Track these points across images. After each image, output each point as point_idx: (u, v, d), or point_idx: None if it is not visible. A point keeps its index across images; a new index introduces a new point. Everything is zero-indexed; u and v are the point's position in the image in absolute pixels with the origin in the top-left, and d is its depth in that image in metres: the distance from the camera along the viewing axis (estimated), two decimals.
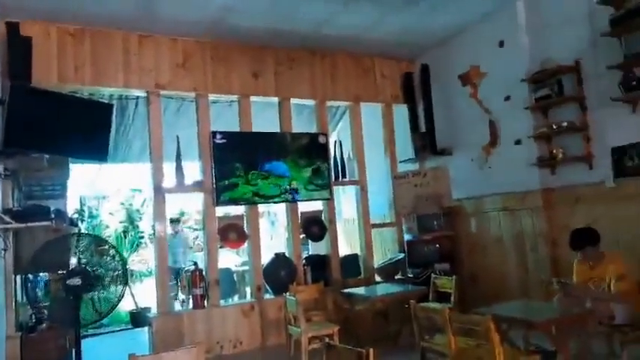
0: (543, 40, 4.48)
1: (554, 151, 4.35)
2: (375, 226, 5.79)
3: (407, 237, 5.65)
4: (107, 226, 8.68)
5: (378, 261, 5.77)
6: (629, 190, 3.83)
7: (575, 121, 4.21)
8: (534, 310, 3.61)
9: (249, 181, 4.96)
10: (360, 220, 5.74)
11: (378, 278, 5.59)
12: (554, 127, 4.32)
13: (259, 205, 5.26)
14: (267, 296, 5.03)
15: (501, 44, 4.83)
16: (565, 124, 4.25)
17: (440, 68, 5.66)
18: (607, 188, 4.00)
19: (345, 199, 6.90)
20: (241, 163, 4.94)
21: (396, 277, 5.59)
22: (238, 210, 5.23)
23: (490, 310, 3.16)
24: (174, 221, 7.28)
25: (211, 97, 5.05)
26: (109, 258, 3.07)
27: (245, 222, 5.12)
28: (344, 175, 5.70)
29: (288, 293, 4.46)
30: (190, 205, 9.32)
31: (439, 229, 5.36)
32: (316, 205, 5.73)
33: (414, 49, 5.77)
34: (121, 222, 8.69)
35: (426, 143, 5.70)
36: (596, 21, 3.93)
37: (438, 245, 5.29)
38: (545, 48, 4.45)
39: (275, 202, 5.32)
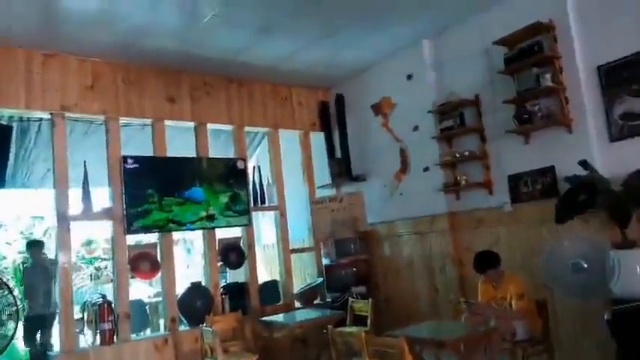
0: (447, 75, 4.84)
1: (458, 178, 4.67)
2: (294, 251, 5.81)
3: (325, 261, 5.73)
4: (4, 257, 7.93)
5: (297, 286, 5.77)
6: (524, 215, 4.19)
7: (476, 150, 4.56)
8: (444, 329, 3.81)
9: (163, 207, 4.79)
10: (279, 246, 5.74)
11: (297, 304, 5.59)
12: (458, 155, 4.65)
13: (175, 233, 5.09)
14: (182, 328, 4.84)
15: (409, 78, 5.14)
16: (467, 153, 4.58)
17: (354, 98, 5.90)
18: (505, 212, 4.34)
19: (265, 224, 6.87)
20: (155, 188, 4.76)
21: (315, 302, 5.62)
22: (151, 238, 5.01)
23: (403, 331, 3.29)
24: (34, 245, 5.49)
25: (123, 120, 4.86)
26: (5, 292, 2.82)
27: (158, 250, 4.92)
28: (263, 201, 5.69)
29: (204, 324, 4.31)
30: (99, 233, 8.78)
31: (356, 253, 5.50)
32: (235, 232, 5.66)
33: (330, 80, 5.97)
34: (20, 252, 7.99)
35: (342, 169, 5.86)
36: (493, 59, 4.32)
37: (354, 269, 5.42)
38: (449, 83, 4.80)
39: (191, 229, 5.17)
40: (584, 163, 3.57)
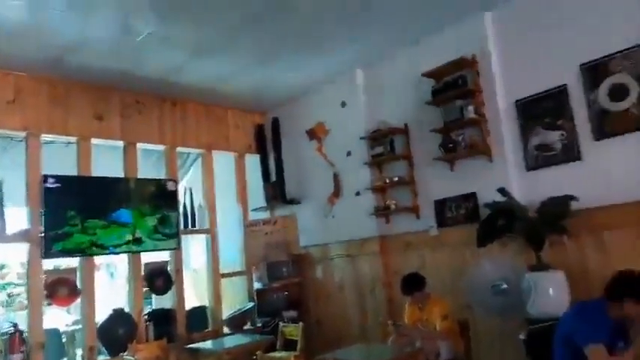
0: (379, 103, 5.02)
1: (388, 202, 4.81)
2: (224, 275, 5.68)
3: (257, 285, 5.66)
4: None
5: (227, 312, 5.63)
6: (449, 238, 4.37)
7: (405, 176, 4.72)
8: (372, 352, 3.85)
9: (86, 230, 4.54)
10: (209, 270, 5.59)
11: (226, 330, 5.44)
12: (388, 180, 4.80)
13: (97, 257, 4.84)
14: (102, 358, 4.55)
15: (343, 105, 5.29)
16: (396, 178, 4.74)
17: (290, 122, 5.96)
18: (431, 236, 4.50)
19: (195, 248, 6.68)
20: (77, 210, 4.51)
21: (245, 328, 5.49)
22: (71, 262, 4.72)
23: (333, 355, 3.30)
24: None
25: (46, 137, 4.61)
26: None
27: (78, 275, 4.64)
28: (194, 224, 5.55)
29: (126, 353, 4.09)
30: (13, 257, 8.13)
31: (288, 276, 5.48)
32: (162, 256, 5.45)
33: (266, 103, 6.00)
34: None
35: (277, 193, 5.86)
36: (422, 91, 4.53)
37: (286, 293, 5.39)
38: (380, 110, 4.97)
39: (116, 253, 4.92)
40: (502, 191, 3.80)
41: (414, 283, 3.78)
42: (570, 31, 3.73)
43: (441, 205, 4.45)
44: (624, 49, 3.47)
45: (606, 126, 3.56)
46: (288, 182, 5.89)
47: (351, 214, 5.13)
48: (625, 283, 2.50)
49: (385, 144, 4.83)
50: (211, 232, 5.61)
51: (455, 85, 4.22)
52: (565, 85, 3.76)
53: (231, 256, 5.93)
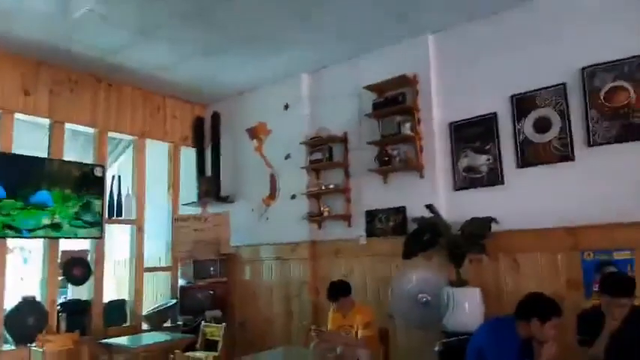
0: (321, 110, 5.08)
1: (322, 208, 4.87)
2: (148, 269, 5.50)
3: (182, 282, 5.53)
4: None
5: (148, 307, 5.45)
6: (377, 248, 4.48)
7: (340, 184, 4.81)
8: (293, 356, 3.88)
9: (0, 210, 4.25)
10: (132, 263, 5.39)
11: (145, 326, 5.27)
12: (323, 187, 4.86)
13: (11, 240, 4.52)
14: (7, 347, 4.26)
15: (286, 107, 5.29)
16: (332, 185, 4.81)
17: (231, 118, 5.87)
18: (360, 245, 4.61)
19: (119, 238, 6.41)
20: None
21: (165, 325, 5.35)
22: None
23: (252, 357, 3.28)
24: None
25: None
26: None
27: None
28: (120, 213, 5.33)
29: (33, 344, 3.85)
30: None
31: (215, 275, 5.39)
32: (83, 244, 5.19)
33: (208, 96, 5.89)
34: None
35: (211, 188, 5.75)
36: (363, 102, 4.64)
37: (212, 292, 5.29)
38: (321, 117, 5.03)
39: (32, 237, 4.62)
40: (430, 207, 3.96)
41: (339, 289, 3.85)
42: (504, 63, 3.97)
43: (371, 216, 4.56)
44: (550, 86, 3.74)
45: (529, 155, 3.82)
46: (224, 179, 5.81)
47: (284, 217, 5.14)
48: (532, 304, 2.68)
49: (324, 151, 4.89)
50: (138, 224, 5.42)
51: (395, 101, 4.36)
52: (495, 112, 3.99)
53: (158, 250, 5.76)
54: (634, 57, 3.42)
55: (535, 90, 3.81)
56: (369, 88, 4.53)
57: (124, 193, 5.39)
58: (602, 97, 3.52)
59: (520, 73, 3.89)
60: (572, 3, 3.70)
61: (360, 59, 4.76)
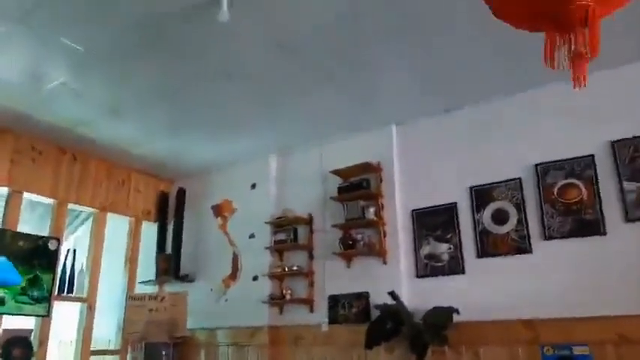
0: (287, 191, 5.12)
1: (284, 291, 4.75)
2: (95, 352, 5.13)
3: None
4: None
5: None
6: (339, 336, 4.35)
7: (304, 266, 4.75)
8: None
9: None
10: (78, 344, 5.04)
11: None
12: (287, 269, 4.77)
13: None
14: None
15: (253, 186, 5.32)
16: (295, 267, 4.74)
17: (197, 195, 5.83)
18: (322, 332, 4.47)
19: (69, 317, 6.02)
20: None
21: None
22: None
23: None
24: None
25: None
26: None
27: None
28: (71, 289, 5.04)
29: None
30: None
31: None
32: (28, 322, 4.84)
33: (174, 172, 5.87)
34: None
35: (170, 266, 5.56)
36: (329, 186, 4.72)
37: None
38: (288, 198, 5.06)
39: None
40: (392, 294, 3.92)
41: None
42: (464, 155, 4.17)
43: (334, 301, 4.48)
44: (506, 180, 3.92)
45: (488, 246, 3.90)
46: (184, 257, 5.64)
47: (245, 300, 4.97)
48: None
49: (289, 231, 4.87)
50: (89, 301, 5.13)
51: (359, 187, 4.45)
52: (456, 203, 4.11)
53: (108, 330, 5.42)
54: (583, 157, 3.64)
55: (493, 183, 3.97)
56: (335, 172, 4.63)
57: (77, 268, 5.15)
58: (555, 193, 3.70)
59: (479, 166, 4.07)
60: (527, 104, 3.97)
61: (326, 144, 4.90)
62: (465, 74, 3.76)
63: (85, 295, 5.12)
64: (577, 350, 3.36)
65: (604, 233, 3.46)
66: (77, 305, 5.19)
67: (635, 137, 3.49)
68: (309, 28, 3.17)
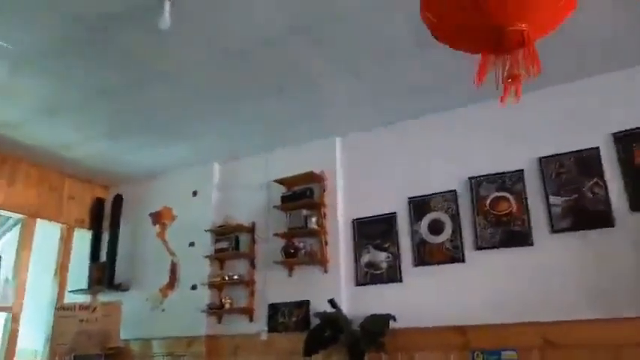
0: (230, 199, 5.08)
1: (223, 300, 4.68)
2: None
3: None
4: None
5: None
6: (278, 345, 4.34)
7: (245, 275, 4.70)
8: None
9: None
10: (1, 355, 4.72)
11: None
12: (227, 278, 4.71)
13: None
14: None
15: (195, 194, 5.23)
16: (236, 276, 4.68)
17: (134, 202, 5.65)
18: (261, 340, 4.44)
19: None
20: None
21: None
22: None
23: None
24: None
25: None
26: None
27: None
28: None
29: None
30: None
31: None
32: None
33: (111, 178, 5.67)
34: None
35: (103, 275, 5.34)
36: (272, 194, 4.73)
37: None
38: (230, 206, 5.02)
39: None
40: (332, 301, 3.97)
41: None
42: (402, 168, 4.31)
43: (274, 309, 4.46)
44: (442, 192, 4.08)
45: (424, 255, 4.03)
46: (119, 265, 5.44)
47: (182, 309, 4.86)
48: None
49: (230, 240, 4.81)
50: (14, 311, 4.83)
51: (302, 196, 4.48)
52: (395, 213, 4.24)
53: (35, 343, 5.12)
54: (514, 171, 3.86)
55: (429, 194, 4.13)
56: (279, 181, 4.65)
57: (2, 276, 4.84)
58: (487, 205, 3.89)
59: (416, 178, 4.22)
60: (462, 121, 4.16)
61: (271, 153, 4.92)
62: (404, 91, 3.91)
63: (9, 305, 4.81)
64: (505, 355, 3.52)
65: (531, 244, 3.67)
66: (1, 315, 4.87)
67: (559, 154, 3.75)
68: (260, 38, 3.18)
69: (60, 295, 5.30)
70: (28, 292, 4.96)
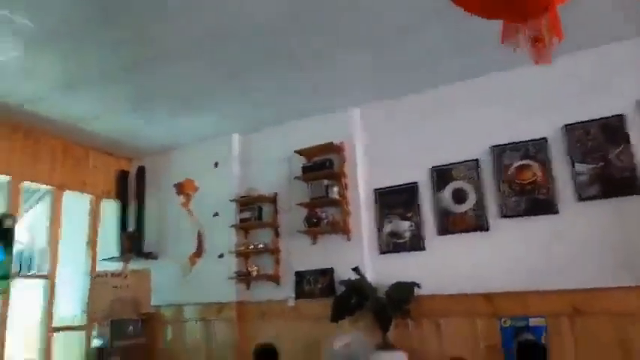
0: (252, 170, 5.12)
1: (250, 268, 4.82)
2: (58, 329, 5.10)
3: (97, 343, 5.16)
4: None
5: None
6: (305, 310, 4.50)
7: (270, 244, 4.81)
8: None
9: None
10: (42, 322, 4.98)
11: None
12: (252, 246, 4.83)
13: None
14: None
15: (216, 165, 5.28)
16: (261, 245, 4.80)
17: (158, 173, 5.73)
18: (289, 306, 4.60)
19: (31, 295, 5.91)
20: None
21: None
22: None
23: None
24: None
25: None
26: None
27: None
28: (30, 268, 4.95)
29: None
30: None
31: (134, 336, 5.10)
32: None
33: (134, 150, 5.73)
34: None
35: (133, 244, 5.51)
36: (293, 165, 4.76)
37: (129, 354, 4.99)
38: (252, 177, 5.07)
39: None
40: (356, 269, 4.07)
41: (266, 355, 3.80)
42: (425, 137, 4.28)
43: (300, 277, 4.59)
44: (465, 160, 4.06)
45: (448, 223, 4.07)
46: (148, 235, 5.60)
47: (211, 277, 5.02)
48: None
49: (253, 210, 4.90)
50: (51, 279, 5.05)
51: (323, 166, 4.50)
52: (417, 182, 4.25)
53: (74, 308, 5.37)
54: (538, 139, 3.81)
55: (452, 163, 4.11)
56: (299, 152, 4.66)
57: (36, 246, 5.03)
58: (510, 174, 3.87)
59: (439, 147, 4.19)
60: (484, 88, 4.08)
61: (290, 124, 4.91)
62: (424, 60, 3.83)
63: (46, 273, 5.03)
64: (533, 322, 3.59)
65: (557, 212, 3.67)
66: (39, 283, 5.09)
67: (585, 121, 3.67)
68: (278, 12, 3.11)
69: (93, 263, 5.50)
70: (63, 262, 5.16)
